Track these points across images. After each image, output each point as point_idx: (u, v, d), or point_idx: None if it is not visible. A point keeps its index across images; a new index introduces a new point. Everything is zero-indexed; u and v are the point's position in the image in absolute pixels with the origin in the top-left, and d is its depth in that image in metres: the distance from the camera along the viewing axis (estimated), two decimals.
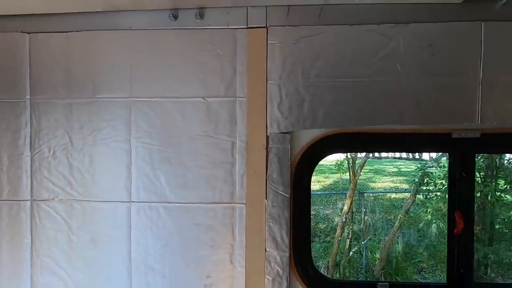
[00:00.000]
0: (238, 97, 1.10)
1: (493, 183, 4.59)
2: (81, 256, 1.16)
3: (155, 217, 1.13)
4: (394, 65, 1.06)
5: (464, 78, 1.04)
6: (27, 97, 1.15)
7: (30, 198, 1.16)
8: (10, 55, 1.15)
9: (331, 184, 8.15)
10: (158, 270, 1.13)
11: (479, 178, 4.79)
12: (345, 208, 5.75)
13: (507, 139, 1.08)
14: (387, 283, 1.13)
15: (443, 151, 1.13)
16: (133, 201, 1.13)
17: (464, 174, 1.09)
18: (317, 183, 8.25)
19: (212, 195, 1.11)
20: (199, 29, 1.11)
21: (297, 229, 1.13)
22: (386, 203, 7.17)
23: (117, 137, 1.14)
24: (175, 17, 1.11)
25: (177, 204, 1.12)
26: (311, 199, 1.13)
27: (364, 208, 6.44)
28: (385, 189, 8.01)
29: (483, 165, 4.75)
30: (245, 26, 1.10)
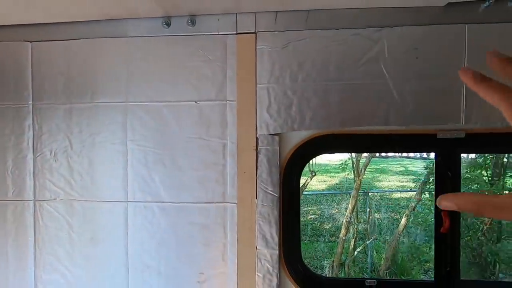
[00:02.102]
0: (228, 101, 1.15)
1: (501, 182, 4.55)
2: (82, 254, 1.22)
3: (150, 216, 1.18)
4: (379, 68, 1.08)
5: (449, 80, 1.06)
6: (29, 103, 1.22)
7: (33, 198, 1.23)
8: (14, 63, 1.22)
9: (336, 184, 8.14)
10: (154, 267, 1.19)
11: (486, 177, 4.74)
12: (349, 207, 5.75)
13: (491, 139, 1.10)
14: (375, 280, 1.16)
15: (429, 151, 1.15)
16: (129, 201, 1.19)
17: (450, 174, 1.11)
18: (322, 182, 8.25)
19: (205, 195, 1.16)
20: (191, 35, 1.16)
21: (287, 228, 1.16)
22: (391, 202, 7.13)
23: (114, 140, 1.19)
24: (168, 25, 1.15)
25: (171, 204, 1.17)
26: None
27: (369, 207, 6.42)
28: (391, 188, 7.95)
29: (490, 163, 4.71)
30: (235, 32, 1.14)
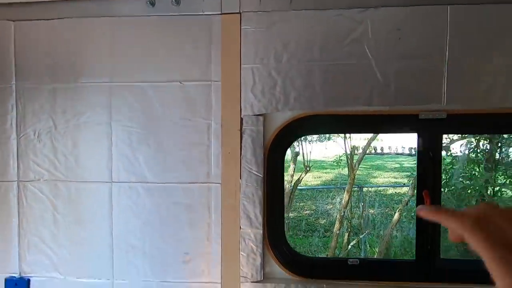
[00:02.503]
0: (213, 81, 1.15)
1: (493, 177, 4.60)
2: (66, 235, 1.21)
3: (135, 196, 1.18)
4: (363, 49, 1.09)
5: (430, 60, 1.07)
6: (12, 83, 1.21)
7: (17, 179, 1.22)
8: None
9: (332, 180, 8.20)
10: (139, 247, 1.19)
11: (477, 172, 4.79)
12: (343, 202, 5.79)
13: (472, 120, 1.11)
14: (357, 260, 1.17)
15: (411, 132, 1.15)
16: (114, 181, 1.19)
17: (431, 154, 1.13)
18: (318, 178, 8.30)
19: (189, 175, 1.16)
20: (175, 15, 1.15)
21: (271, 208, 1.17)
22: (385, 197, 7.19)
23: (98, 120, 1.19)
24: (152, 4, 1.15)
25: (155, 184, 1.17)
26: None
27: (363, 202, 6.47)
28: (384, 184, 8.01)
29: (482, 158, 4.75)
30: (219, 13, 1.13)
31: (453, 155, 4.92)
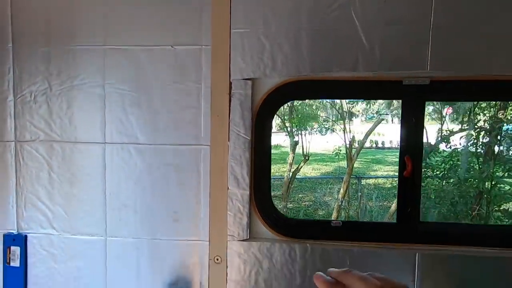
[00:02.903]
0: (203, 45, 1.18)
1: (491, 171, 4.61)
2: (61, 193, 1.26)
3: (127, 157, 1.22)
4: (349, 14, 1.11)
5: (415, 26, 1.09)
6: (9, 46, 1.24)
7: (14, 139, 1.27)
8: None
9: (332, 172, 8.26)
10: (130, 206, 1.24)
11: (477, 165, 4.80)
12: (341, 191, 5.83)
13: (456, 86, 1.14)
14: (340, 222, 1.21)
15: (395, 98, 1.18)
16: (107, 142, 1.23)
17: (414, 120, 1.15)
18: (318, 171, 8.34)
19: (179, 137, 1.20)
20: None
21: (258, 170, 1.21)
22: (384, 190, 7.23)
23: (92, 82, 1.22)
24: None
25: (147, 145, 1.22)
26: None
27: (361, 192, 6.51)
28: (383, 176, 8.03)
29: (481, 151, 4.76)
30: None
31: (452, 147, 4.93)
